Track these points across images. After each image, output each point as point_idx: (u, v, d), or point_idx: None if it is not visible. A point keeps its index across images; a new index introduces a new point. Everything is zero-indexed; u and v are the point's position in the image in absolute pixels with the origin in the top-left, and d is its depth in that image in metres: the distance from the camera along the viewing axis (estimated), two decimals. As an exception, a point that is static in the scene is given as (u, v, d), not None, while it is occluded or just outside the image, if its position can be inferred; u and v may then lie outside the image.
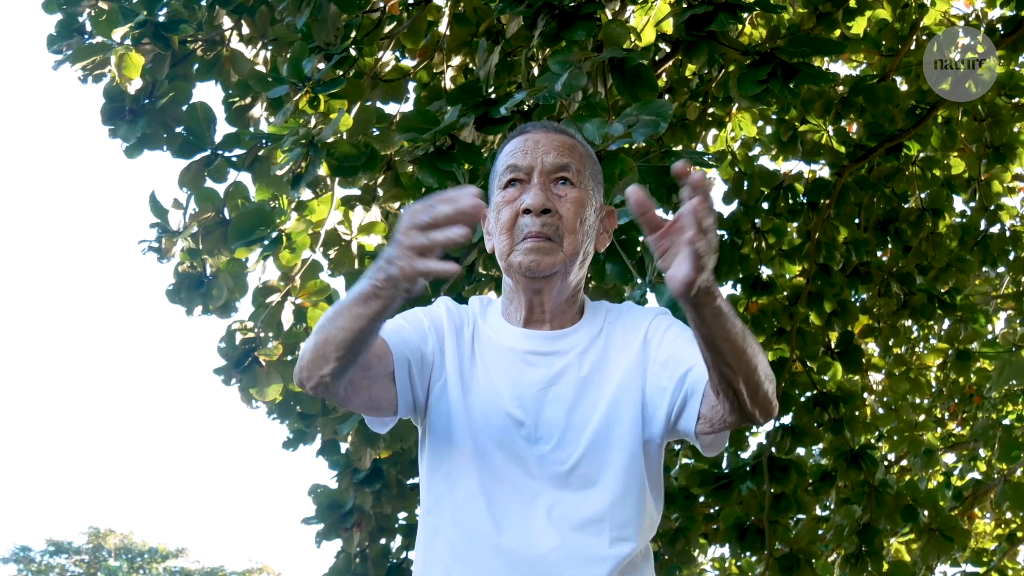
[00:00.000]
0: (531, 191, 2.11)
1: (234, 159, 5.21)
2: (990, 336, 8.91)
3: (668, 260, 1.72)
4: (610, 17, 4.90)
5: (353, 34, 4.97)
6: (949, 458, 10.71)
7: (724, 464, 6.81)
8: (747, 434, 7.09)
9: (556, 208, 2.10)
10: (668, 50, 6.14)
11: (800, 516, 7.20)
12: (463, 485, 2.07)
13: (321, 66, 4.70)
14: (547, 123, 2.23)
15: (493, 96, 4.39)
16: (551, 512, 2.03)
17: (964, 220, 7.99)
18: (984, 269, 8.71)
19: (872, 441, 8.71)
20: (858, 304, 7.78)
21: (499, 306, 2.24)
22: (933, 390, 9.52)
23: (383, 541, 6.22)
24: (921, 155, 7.44)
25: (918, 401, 9.56)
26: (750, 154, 7.77)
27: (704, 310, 1.74)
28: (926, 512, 7.13)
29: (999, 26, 7.04)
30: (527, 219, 2.09)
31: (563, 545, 2.01)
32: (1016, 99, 7.50)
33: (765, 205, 7.20)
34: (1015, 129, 7.61)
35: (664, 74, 6.44)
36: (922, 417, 9.55)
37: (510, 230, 2.12)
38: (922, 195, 7.54)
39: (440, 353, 2.15)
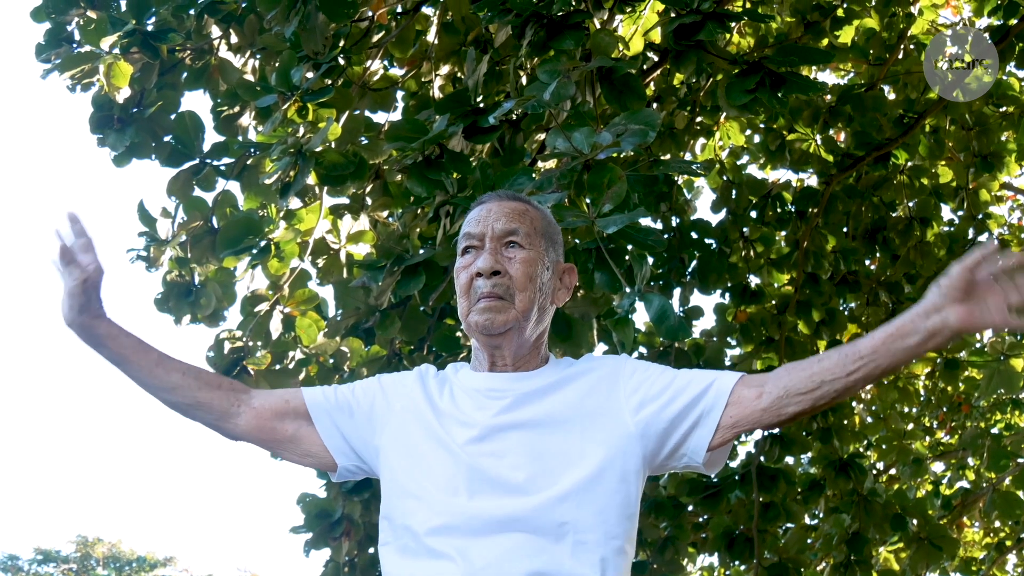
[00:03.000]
0: (482, 255, 2.29)
1: (222, 168, 5.21)
2: (978, 345, 8.91)
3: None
4: (598, 26, 4.90)
5: (342, 43, 4.97)
6: (938, 467, 10.73)
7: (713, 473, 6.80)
8: (735, 443, 7.08)
9: (506, 269, 2.27)
10: (656, 59, 6.14)
11: (789, 525, 7.20)
12: (418, 522, 2.16)
13: (309, 75, 4.70)
14: (501, 192, 2.42)
15: (481, 105, 4.39)
16: (511, 533, 2.09)
17: (952, 229, 7.99)
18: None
19: (861, 450, 8.72)
20: (846, 313, 7.78)
21: (468, 366, 2.41)
22: (922, 399, 9.53)
23: (371, 550, 6.20)
24: (909, 164, 7.45)
25: (907, 410, 9.57)
26: (738, 163, 7.77)
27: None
28: (915, 521, 7.14)
29: (986, 35, 7.05)
30: (480, 281, 2.27)
31: (521, 557, 2.07)
32: (1003, 108, 7.51)
33: (753, 214, 7.20)
34: (1003, 138, 7.63)
35: (652, 83, 6.44)
36: (911, 426, 9.57)
37: (467, 293, 2.30)
38: (910, 204, 7.55)
39: (387, 408, 2.34)
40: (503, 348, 2.28)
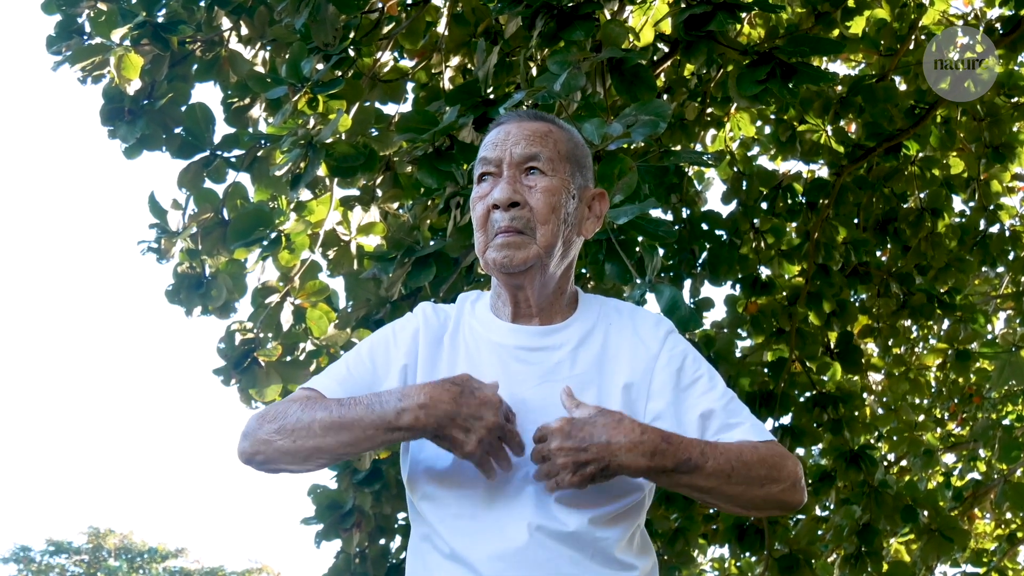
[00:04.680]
0: (500, 184, 2.08)
1: (233, 160, 5.21)
2: (990, 336, 8.90)
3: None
4: (608, 17, 4.90)
5: (352, 35, 4.97)
6: (949, 458, 10.71)
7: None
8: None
9: (526, 200, 2.06)
10: (667, 50, 6.14)
11: (800, 516, 7.19)
12: (443, 490, 2.04)
13: (320, 67, 4.70)
14: (523, 111, 2.20)
15: (492, 96, 4.39)
16: (535, 511, 1.98)
17: (963, 220, 7.99)
18: (983, 269, 8.70)
19: (872, 441, 8.72)
20: (857, 304, 7.77)
21: (488, 299, 2.21)
22: (933, 390, 9.52)
23: (383, 541, 6.22)
24: (920, 155, 7.43)
25: (918, 401, 9.56)
26: (749, 154, 7.76)
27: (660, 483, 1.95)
28: (926, 512, 7.13)
29: (998, 25, 7.04)
30: (497, 214, 2.07)
31: (546, 544, 1.97)
32: (1015, 98, 7.49)
33: (764, 205, 7.20)
34: (1014, 128, 7.61)
35: (663, 74, 6.44)
36: (922, 417, 9.55)
37: (483, 227, 2.09)
38: (921, 195, 7.54)
39: (413, 369, 2.12)
40: (525, 288, 2.09)
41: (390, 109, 5.90)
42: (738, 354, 7.14)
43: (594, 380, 2.07)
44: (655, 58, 6.06)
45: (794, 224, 7.39)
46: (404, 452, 2.15)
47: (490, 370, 2.06)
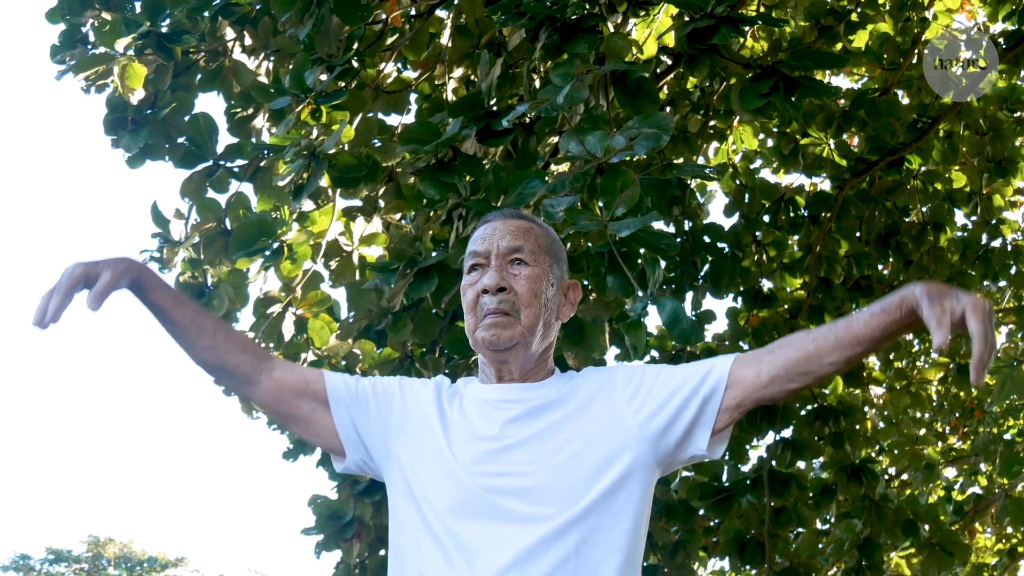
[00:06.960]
0: (488, 273, 2.33)
1: (236, 170, 5.22)
2: (991, 351, 8.87)
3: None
4: (612, 30, 4.90)
5: (355, 46, 4.97)
6: (950, 472, 10.71)
7: (724, 477, 6.80)
8: (747, 448, 7.08)
9: (511, 286, 2.32)
10: (670, 63, 6.14)
11: (800, 530, 7.19)
12: (426, 535, 2.20)
13: (323, 77, 4.70)
14: (506, 211, 2.46)
15: (495, 108, 4.39)
16: (519, 543, 2.12)
17: (965, 234, 7.99)
18: (985, 283, 8.69)
19: (873, 455, 8.72)
20: (859, 317, 7.75)
21: (476, 380, 2.44)
22: (934, 404, 9.51)
23: (383, 552, 6.21)
24: (922, 169, 7.43)
25: (919, 415, 9.55)
26: (751, 167, 7.76)
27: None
28: (927, 526, 7.13)
29: (1001, 40, 7.04)
30: (486, 298, 2.31)
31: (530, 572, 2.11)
32: (1017, 113, 7.49)
33: (766, 218, 7.20)
34: (1016, 143, 7.61)
35: (666, 87, 6.44)
36: (923, 431, 9.54)
37: (473, 310, 2.34)
38: (923, 209, 7.54)
39: (404, 413, 2.37)
40: (509, 363, 2.32)
41: (393, 120, 5.90)
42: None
43: (571, 419, 2.26)
44: (658, 71, 6.06)
45: (796, 237, 7.39)
46: (390, 493, 2.36)
47: (475, 419, 2.30)
